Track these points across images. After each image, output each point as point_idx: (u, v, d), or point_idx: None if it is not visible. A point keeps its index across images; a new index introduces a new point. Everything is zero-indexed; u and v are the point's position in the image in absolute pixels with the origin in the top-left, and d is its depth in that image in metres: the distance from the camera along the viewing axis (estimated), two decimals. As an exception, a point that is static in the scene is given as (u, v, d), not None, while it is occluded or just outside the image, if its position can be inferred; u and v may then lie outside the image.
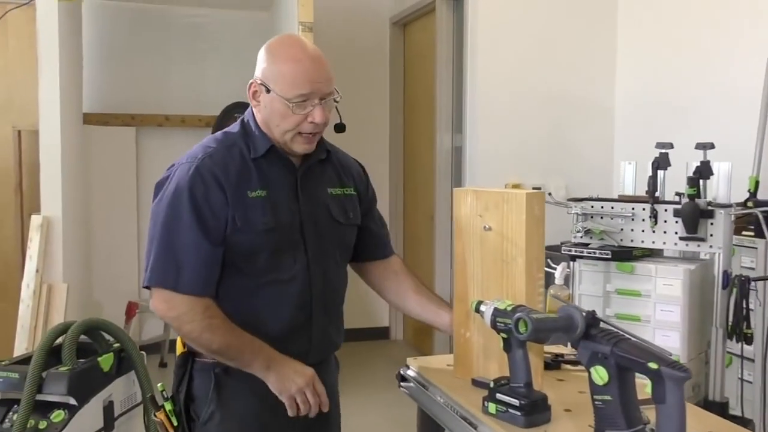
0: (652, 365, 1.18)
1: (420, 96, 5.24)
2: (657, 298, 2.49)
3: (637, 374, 1.25)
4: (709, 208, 2.45)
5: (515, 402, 1.44)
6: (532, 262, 1.61)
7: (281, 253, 1.73)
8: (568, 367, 1.85)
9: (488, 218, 1.65)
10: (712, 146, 2.48)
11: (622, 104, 4.45)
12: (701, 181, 2.48)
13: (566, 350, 1.93)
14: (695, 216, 2.42)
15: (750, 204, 3.05)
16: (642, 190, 2.71)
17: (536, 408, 1.44)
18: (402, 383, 1.87)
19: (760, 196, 3.23)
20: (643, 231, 2.57)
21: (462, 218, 1.71)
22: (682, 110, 3.94)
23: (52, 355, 2.71)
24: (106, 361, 2.74)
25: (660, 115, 4.10)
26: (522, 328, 1.26)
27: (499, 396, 1.48)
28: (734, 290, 2.49)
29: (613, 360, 1.23)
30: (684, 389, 1.18)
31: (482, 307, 1.52)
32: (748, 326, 2.51)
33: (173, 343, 1.53)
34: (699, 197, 2.46)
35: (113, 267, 4.99)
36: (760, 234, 2.95)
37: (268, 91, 1.71)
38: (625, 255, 2.56)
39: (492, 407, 1.49)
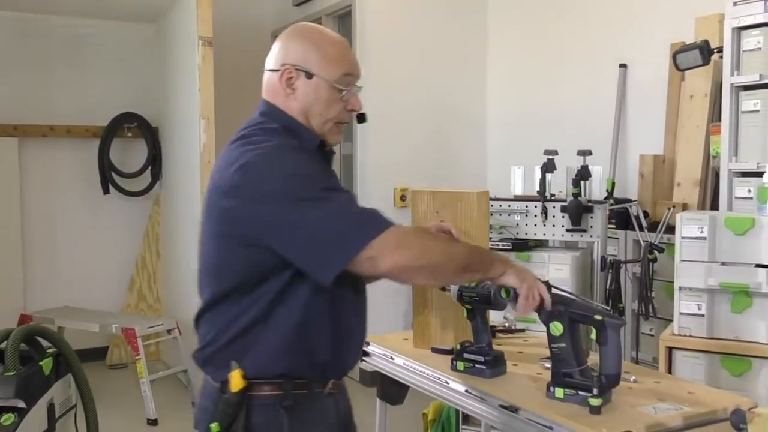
0: (597, 317, 1.58)
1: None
2: (550, 281, 2.94)
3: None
4: (590, 204, 2.95)
5: (481, 358, 1.80)
6: (482, 248, 1.97)
7: None
8: (500, 335, 2.25)
9: (444, 214, 2.01)
10: (590, 153, 2.99)
11: (493, 116, 4.99)
12: (581, 182, 2.98)
13: (497, 323, 2.34)
14: (579, 211, 2.91)
15: (611, 201, 3.64)
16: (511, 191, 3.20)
17: (498, 362, 1.81)
18: (364, 358, 2.17)
19: (615, 195, 3.85)
20: (535, 225, 3.04)
21: (420, 215, 2.05)
22: (546, 120, 4.51)
23: (-13, 362, 2.76)
24: (47, 365, 2.83)
25: (527, 125, 4.67)
26: (504, 294, 1.62)
27: (466, 355, 1.83)
28: (610, 272, 3.02)
29: (567, 316, 1.62)
30: (620, 334, 1.59)
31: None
32: (621, 301, 3.05)
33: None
34: (581, 196, 2.96)
35: (-5, 281, 4.86)
36: (620, 226, 3.55)
37: (309, 76, 1.56)
38: (522, 246, 3.01)
39: (460, 365, 1.84)
